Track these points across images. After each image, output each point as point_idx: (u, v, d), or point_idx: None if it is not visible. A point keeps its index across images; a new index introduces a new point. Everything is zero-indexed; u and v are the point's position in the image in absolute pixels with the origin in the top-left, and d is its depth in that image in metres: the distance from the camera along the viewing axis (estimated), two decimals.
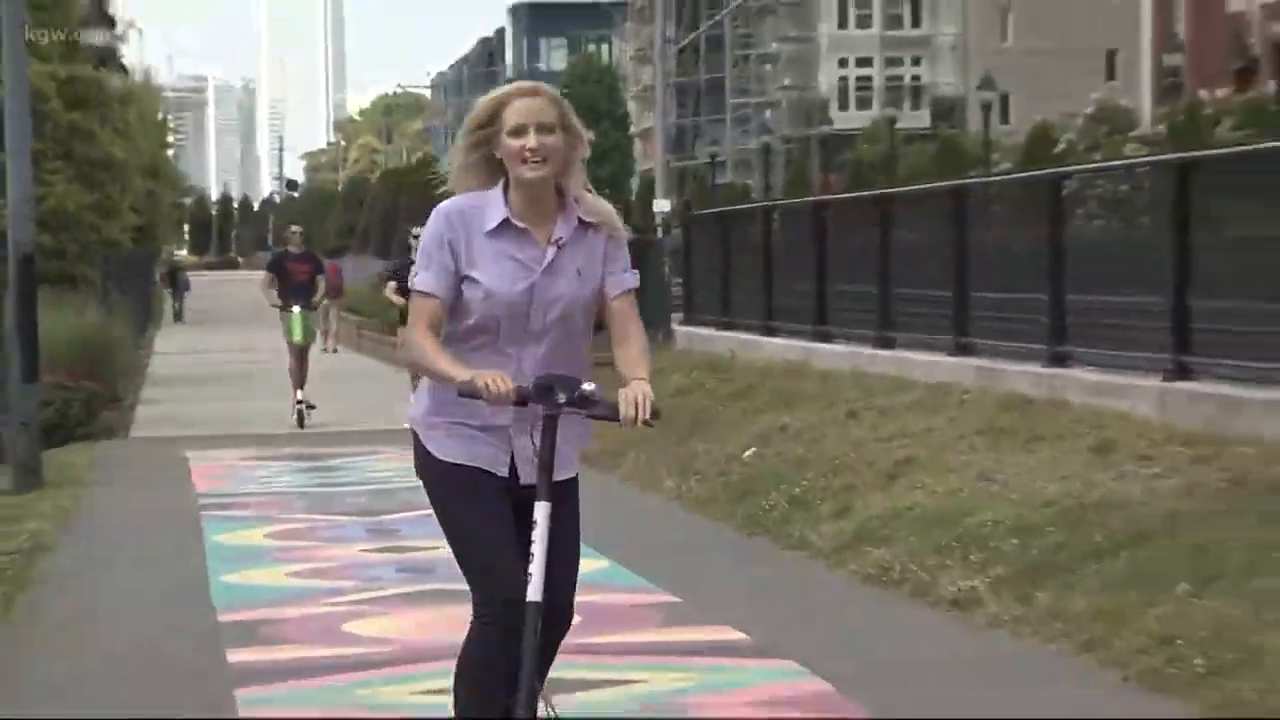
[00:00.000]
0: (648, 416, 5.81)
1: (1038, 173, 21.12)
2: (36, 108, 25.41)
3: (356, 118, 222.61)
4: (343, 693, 9.14)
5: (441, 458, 6.09)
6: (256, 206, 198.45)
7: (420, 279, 5.99)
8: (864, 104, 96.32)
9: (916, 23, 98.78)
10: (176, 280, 73.02)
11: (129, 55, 55.93)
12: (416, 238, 21.72)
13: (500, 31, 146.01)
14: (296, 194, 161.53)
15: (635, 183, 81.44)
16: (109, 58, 42.02)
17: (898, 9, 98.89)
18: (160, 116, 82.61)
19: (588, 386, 5.86)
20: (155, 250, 74.40)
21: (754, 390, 20.47)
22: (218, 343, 49.73)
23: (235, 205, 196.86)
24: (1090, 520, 11.44)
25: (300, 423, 24.64)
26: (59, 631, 11.17)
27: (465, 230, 5.98)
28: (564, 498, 6.08)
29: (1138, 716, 8.38)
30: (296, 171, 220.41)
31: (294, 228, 27.63)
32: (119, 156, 41.75)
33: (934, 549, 11.84)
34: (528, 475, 6.03)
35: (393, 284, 23.16)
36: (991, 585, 10.88)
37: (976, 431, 14.92)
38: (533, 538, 5.86)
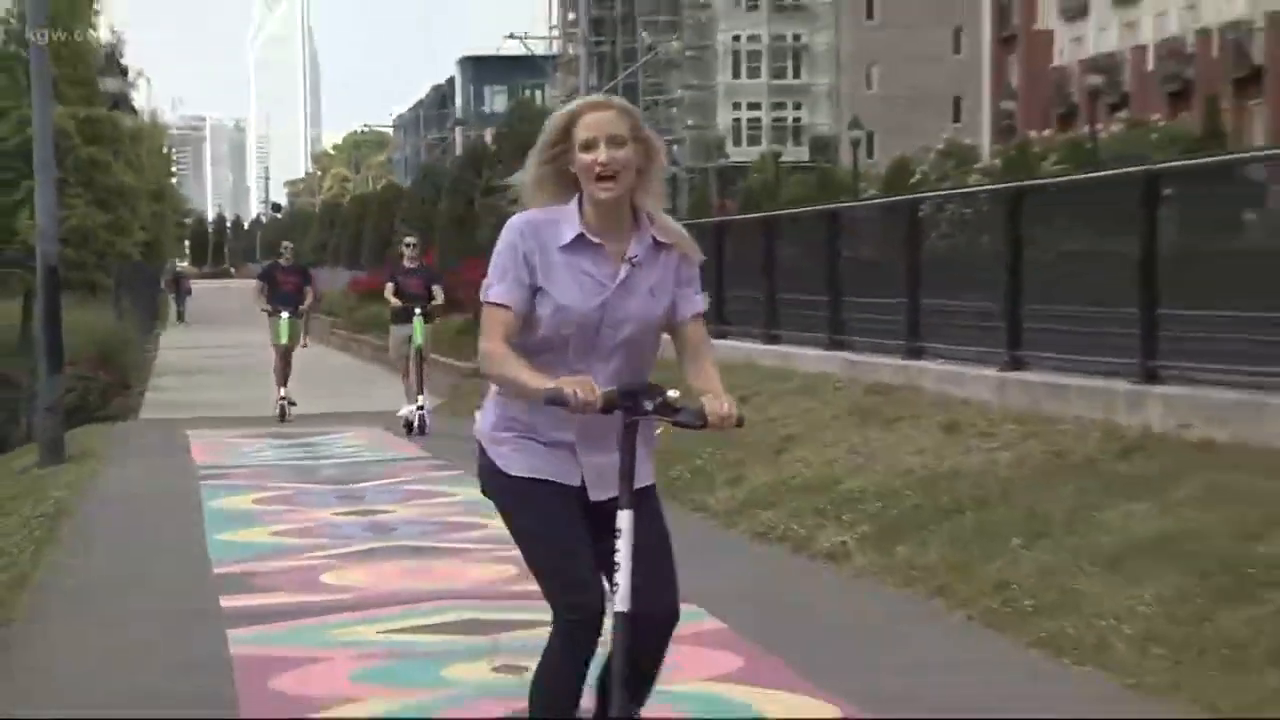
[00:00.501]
0: (735, 420, 4.98)
1: (897, 198, 21.27)
2: (60, 144, 25.32)
3: (330, 151, 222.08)
4: (318, 631, 9.12)
5: (509, 471, 5.14)
6: (246, 226, 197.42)
7: (495, 291, 5.00)
8: (754, 141, 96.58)
9: (797, 74, 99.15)
10: (180, 286, 72.85)
11: (138, 99, 55.53)
12: (409, 245, 21.91)
13: (451, 79, 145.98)
14: (280, 215, 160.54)
15: None
16: (121, 101, 41.73)
17: (782, 63, 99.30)
18: (165, 150, 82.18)
19: (672, 393, 5.01)
20: (161, 262, 73.99)
21: (661, 378, 20.46)
22: (214, 340, 49.57)
23: (228, 225, 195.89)
24: (941, 486, 11.53)
25: (282, 416, 23.54)
26: (79, 580, 11.11)
27: (538, 243, 4.99)
28: (646, 502, 5.14)
29: (976, 648, 8.41)
30: (280, 196, 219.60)
31: (285, 243, 26.38)
32: (130, 184, 41.60)
33: (812, 511, 11.89)
34: (599, 492, 5.10)
35: (390, 285, 21.65)
36: (859, 541, 10.93)
37: (847, 413, 15.01)
38: (616, 547, 4.91)
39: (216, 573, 11.14)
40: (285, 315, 23.81)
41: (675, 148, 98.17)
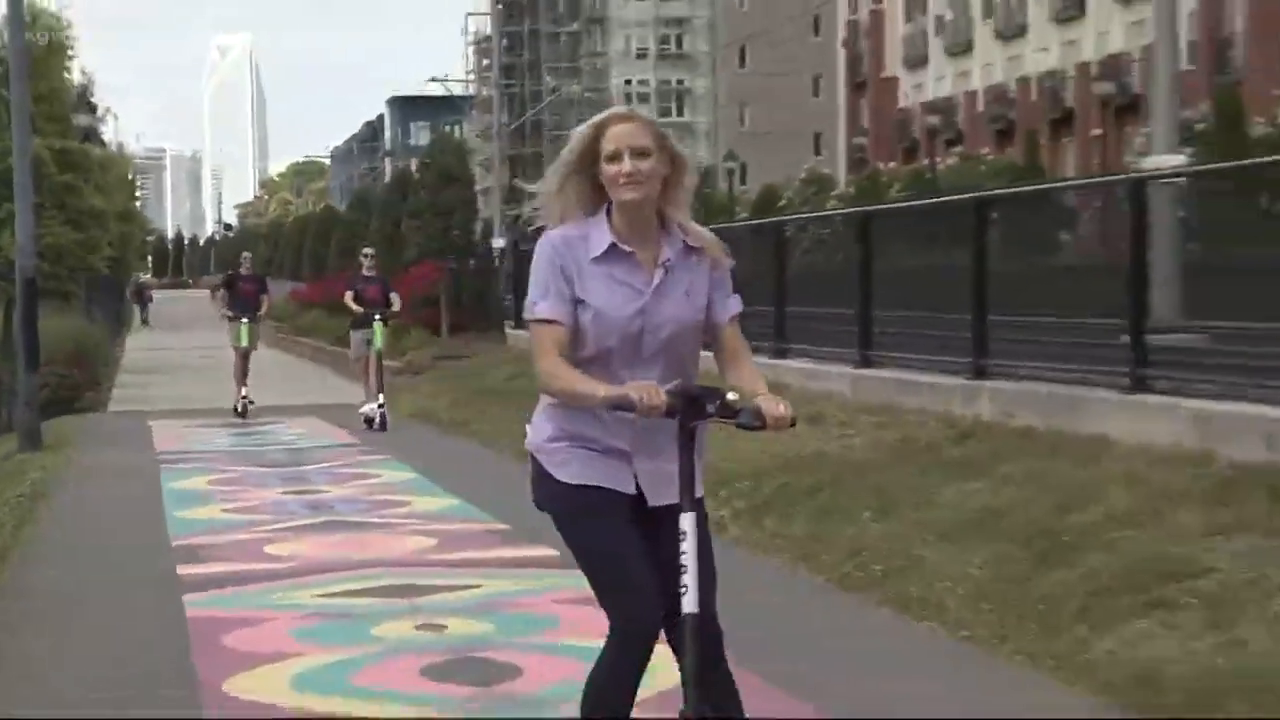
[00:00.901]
0: (790, 421, 4.39)
1: (766, 220, 21.30)
2: (38, 171, 24.98)
3: (276, 178, 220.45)
4: (263, 595, 9.06)
5: (565, 480, 4.48)
6: (202, 243, 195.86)
7: (541, 307, 4.40)
8: None
9: (681, 113, 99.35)
10: (143, 295, 72.21)
11: (106, 133, 54.92)
12: (367, 256, 21.04)
13: (381, 116, 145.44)
14: (231, 234, 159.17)
15: (479, 226, 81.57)
16: (92, 135, 41.29)
17: (668, 103, 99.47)
18: (130, 177, 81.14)
19: (731, 395, 4.37)
20: (126, 275, 73.15)
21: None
22: (173, 342, 49.13)
23: (186, 242, 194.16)
24: (804, 469, 11.57)
25: (243, 414, 21.89)
26: (54, 551, 10.99)
27: (572, 256, 4.41)
28: (697, 510, 4.49)
29: (833, 607, 8.44)
30: (231, 217, 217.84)
31: (245, 254, 24.85)
32: (99, 207, 41.18)
33: None
34: (657, 497, 4.46)
35: (350, 294, 20.48)
36: (733, 514, 10.95)
37: None
38: (683, 549, 4.29)
39: (174, 544, 11.03)
40: (245, 321, 22.45)
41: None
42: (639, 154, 4.34)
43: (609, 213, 4.43)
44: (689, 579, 4.25)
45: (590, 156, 4.42)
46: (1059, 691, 6.60)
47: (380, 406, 19.43)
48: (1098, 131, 52.63)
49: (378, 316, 19.92)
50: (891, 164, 62.09)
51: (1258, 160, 14.18)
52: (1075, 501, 9.16)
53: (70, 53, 41.30)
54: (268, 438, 19.03)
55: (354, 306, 20.31)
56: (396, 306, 20.67)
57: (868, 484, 10.82)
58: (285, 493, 13.74)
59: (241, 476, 15.01)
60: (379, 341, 19.93)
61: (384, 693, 6.80)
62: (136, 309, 70.86)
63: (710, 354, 4.66)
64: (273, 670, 7.24)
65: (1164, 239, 11.44)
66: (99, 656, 7.74)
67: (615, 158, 4.35)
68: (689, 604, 4.24)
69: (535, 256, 4.45)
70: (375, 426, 19.20)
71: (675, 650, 4.43)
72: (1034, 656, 7.06)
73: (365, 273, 20.81)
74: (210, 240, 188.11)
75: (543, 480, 4.52)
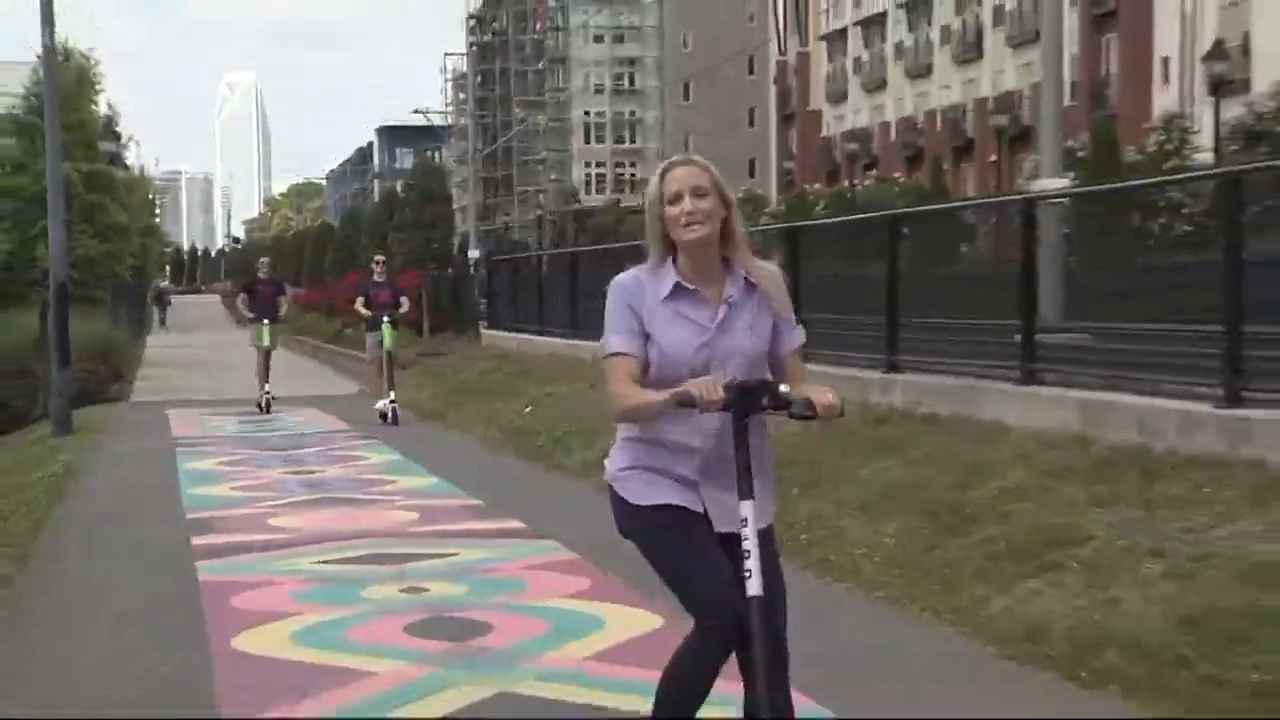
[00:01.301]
0: (839, 410, 4.12)
1: None
2: (68, 192, 24.79)
3: (278, 197, 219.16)
4: (266, 562, 9.00)
5: (639, 502, 4.17)
6: (213, 254, 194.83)
7: (612, 342, 4.12)
8: (601, 190, 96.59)
9: (633, 140, 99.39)
10: (162, 299, 71.80)
11: (129, 158, 54.52)
12: (378, 262, 20.00)
13: (371, 143, 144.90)
14: (239, 246, 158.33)
15: (456, 240, 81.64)
16: (116, 159, 40.97)
17: (622, 132, 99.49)
18: (150, 196, 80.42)
19: (783, 387, 4.07)
20: (147, 282, 72.58)
21: (531, 371, 20.43)
22: (188, 341, 48.80)
23: (199, 253, 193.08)
24: None
25: (267, 409, 20.42)
26: (83, 522, 10.90)
27: (642, 298, 4.13)
28: (766, 548, 4.12)
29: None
30: (239, 232, 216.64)
31: (263, 259, 23.05)
32: (123, 222, 40.86)
33: None
34: (723, 524, 4.11)
35: (361, 299, 19.40)
36: None
37: None
38: (744, 534, 3.96)
39: (189, 518, 10.95)
40: (265, 322, 20.84)
41: (540, 196, 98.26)
42: (698, 194, 4.08)
43: (675, 259, 4.14)
44: (751, 563, 3.92)
45: (661, 204, 4.13)
46: (959, 641, 6.63)
47: (392, 402, 18.53)
48: (994, 158, 52.85)
49: (387, 319, 19.05)
50: (816, 185, 62.24)
51: (1128, 184, 14.25)
52: (975, 479, 9.19)
53: (97, 87, 40.94)
54: (272, 425, 18.92)
55: (363, 311, 19.43)
56: (405, 308, 19.81)
57: (796, 464, 10.82)
58: (286, 473, 13.66)
59: (248, 458, 14.92)
60: (388, 341, 19.04)
61: (373, 647, 6.77)
62: (156, 311, 70.46)
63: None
64: (275, 628, 7.19)
65: (1050, 251, 11.48)
66: (120, 612, 7.67)
67: (676, 199, 4.09)
68: (753, 588, 3.91)
69: (608, 300, 4.19)
70: (388, 420, 18.32)
71: (741, 665, 4.10)
72: (938, 613, 7.08)
73: (376, 278, 19.72)
74: (220, 252, 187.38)
75: (619, 505, 4.24)
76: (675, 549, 4.11)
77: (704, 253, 4.11)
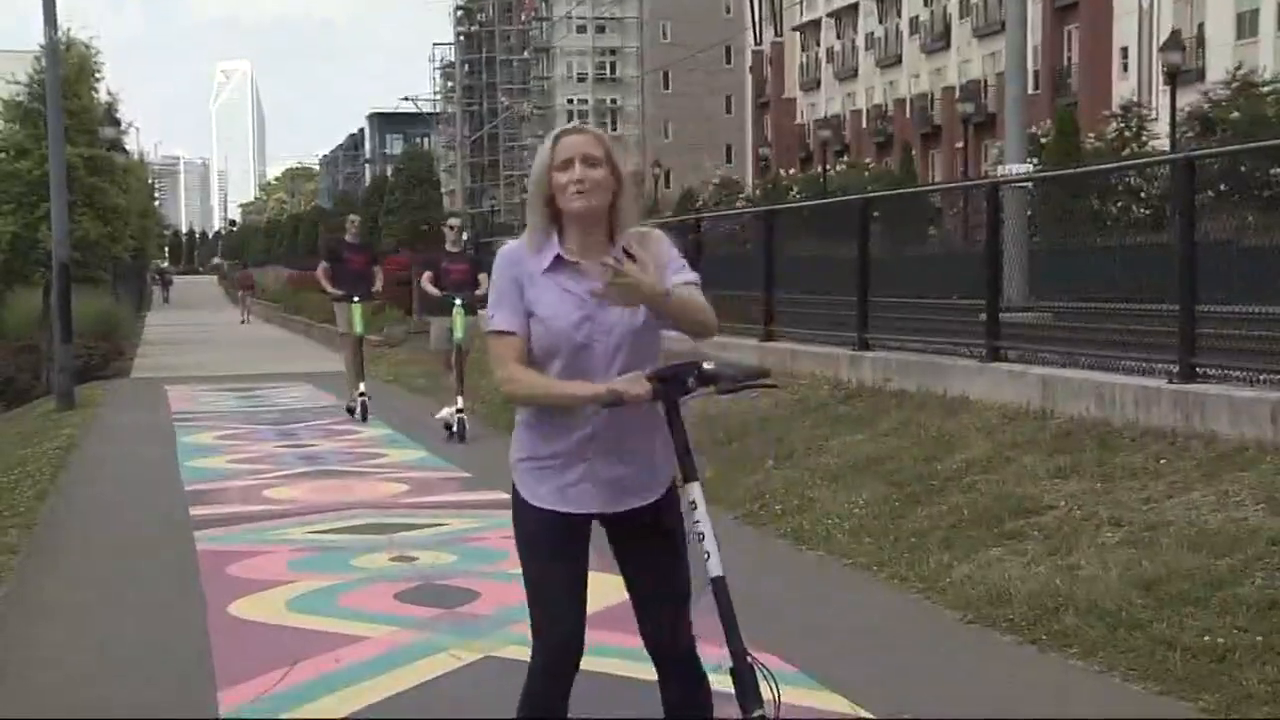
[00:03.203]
0: (765, 371, 3.88)
1: (685, 217, 21.24)
2: (70, 175, 24.68)
3: (273, 181, 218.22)
4: (261, 532, 8.98)
5: (528, 499, 3.85)
6: (210, 235, 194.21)
7: (496, 319, 3.75)
8: None
9: (615, 127, 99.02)
10: (164, 279, 72.18)
11: (129, 143, 54.16)
12: (452, 227, 14.86)
13: (362, 129, 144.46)
14: (235, 228, 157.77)
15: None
16: (116, 144, 40.69)
17: (604, 119, 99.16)
18: (148, 180, 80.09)
19: (707, 365, 3.75)
20: (146, 262, 72.45)
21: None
22: (187, 320, 48.71)
23: (197, 235, 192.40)
24: (716, 424, 11.56)
25: (363, 415, 15.33)
26: (85, 493, 10.87)
27: (524, 269, 3.75)
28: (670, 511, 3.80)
29: (739, 539, 8.46)
30: (235, 214, 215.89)
31: (352, 216, 17.30)
32: (123, 205, 40.65)
33: None
34: (619, 503, 3.78)
35: (428, 274, 14.16)
36: None
37: None
38: (695, 519, 3.67)
39: (186, 489, 10.92)
40: (355, 300, 15.43)
41: (526, 179, 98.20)
42: (589, 162, 3.70)
43: (560, 229, 3.77)
44: (709, 545, 3.64)
45: (549, 170, 3.75)
46: (925, 605, 6.65)
47: (460, 412, 13.61)
48: (960, 144, 52.89)
49: (458, 301, 13.84)
50: (791, 170, 62.21)
51: (1088, 169, 14.28)
52: (941, 451, 9.22)
53: (97, 75, 40.68)
54: (266, 401, 18.87)
55: (431, 290, 14.24)
56: (484, 288, 13.45)
57: (770, 436, 10.84)
58: (281, 446, 13.63)
59: (244, 433, 14.88)
60: (459, 331, 13.92)
61: (364, 613, 6.76)
62: (158, 290, 70.72)
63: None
64: (271, 595, 7.18)
65: (1014, 234, 11.51)
66: (121, 580, 7.65)
67: (566, 166, 3.70)
68: (714, 568, 3.63)
69: (493, 271, 3.84)
70: (453, 435, 13.51)
71: (661, 681, 3.86)
72: (905, 579, 7.10)
73: (450, 247, 14.50)
74: (217, 234, 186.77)
75: (514, 495, 3.90)
76: (537, 562, 3.82)
77: (590, 225, 3.73)
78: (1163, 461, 7.83)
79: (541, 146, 3.80)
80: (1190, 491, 7.28)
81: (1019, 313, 11.60)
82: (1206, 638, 5.48)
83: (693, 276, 3.82)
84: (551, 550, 3.79)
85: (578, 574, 3.80)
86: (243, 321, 47.43)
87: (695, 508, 3.68)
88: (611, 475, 3.75)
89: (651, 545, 3.80)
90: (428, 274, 14.26)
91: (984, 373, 10.62)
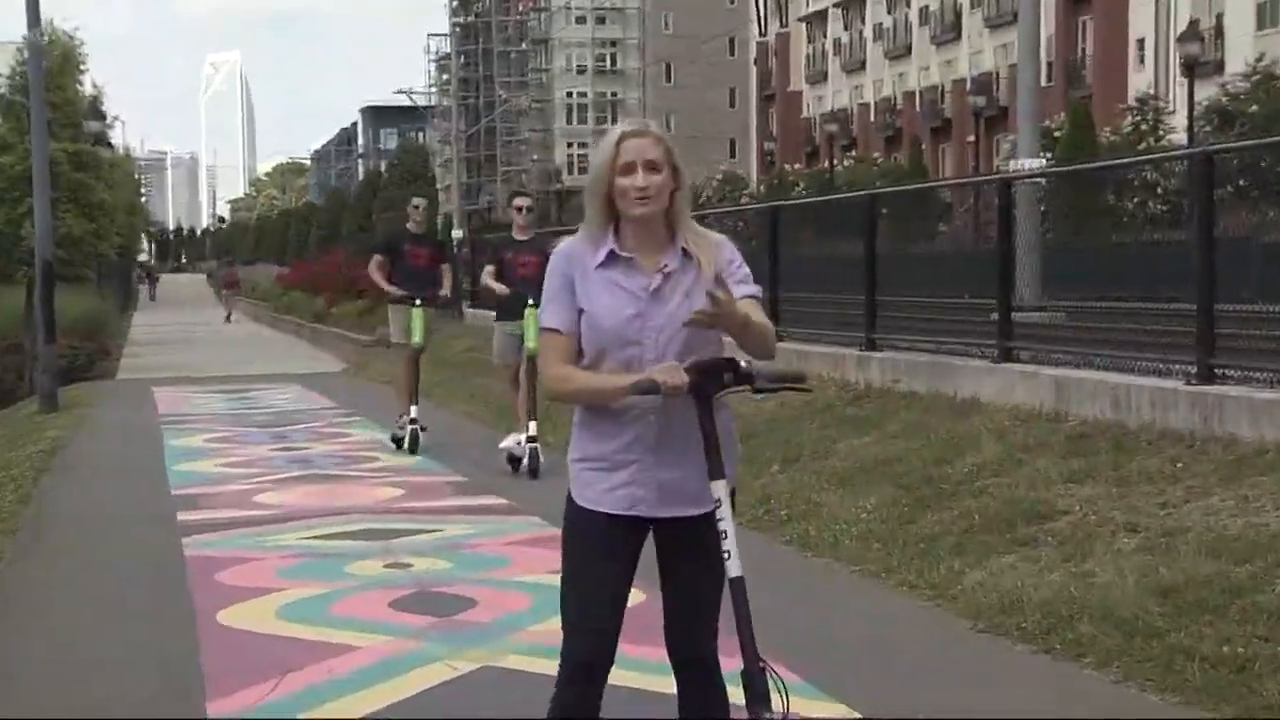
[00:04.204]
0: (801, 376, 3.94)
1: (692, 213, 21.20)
2: (54, 171, 24.70)
3: (263, 177, 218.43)
4: (252, 538, 8.97)
5: (577, 500, 3.88)
6: (199, 233, 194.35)
7: (546, 316, 3.85)
8: (584, 171, 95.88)
9: (615, 121, 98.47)
10: (151, 276, 72.53)
11: (115, 137, 54.19)
12: (522, 210, 12.07)
13: (355, 123, 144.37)
14: (224, 225, 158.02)
15: (440, 220, 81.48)
16: (101, 139, 40.75)
17: (604, 113, 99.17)
18: (135, 176, 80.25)
19: (744, 362, 3.79)
20: (133, 260, 72.65)
21: None
22: (174, 318, 48.76)
23: (185, 232, 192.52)
24: None
25: (413, 446, 12.80)
26: (68, 498, 10.86)
27: (579, 267, 3.83)
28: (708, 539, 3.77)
29: (743, 545, 8.47)
30: (224, 211, 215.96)
31: (416, 200, 13.89)
32: (108, 201, 40.72)
33: None
34: (668, 508, 3.81)
35: (491, 268, 11.87)
36: None
37: None
38: (719, 516, 3.72)
39: (174, 494, 10.91)
40: (417, 303, 12.93)
41: (524, 176, 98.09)
42: (651, 168, 3.78)
43: (617, 227, 3.84)
44: (729, 544, 3.70)
45: (610, 172, 3.80)
46: (935, 614, 6.65)
47: (531, 440, 11.25)
48: (971, 139, 52.89)
49: (532, 301, 10.74)
50: (796, 165, 62.25)
51: (1104, 163, 14.28)
52: (951, 454, 9.22)
53: (82, 67, 40.71)
54: (257, 402, 18.87)
55: (496, 287, 11.80)
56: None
57: (776, 439, 10.83)
58: (272, 449, 13.62)
59: (234, 435, 14.88)
60: (531, 338, 11.02)
61: (357, 622, 6.76)
62: (146, 287, 71.07)
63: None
64: (261, 603, 7.18)
65: (1027, 231, 11.51)
66: (106, 587, 7.65)
67: (629, 171, 3.77)
68: (733, 569, 3.69)
69: (548, 268, 3.91)
70: (520, 468, 11.33)
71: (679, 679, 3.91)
72: (914, 586, 7.10)
73: (518, 235, 12.02)
74: (206, 231, 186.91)
75: (568, 494, 3.92)
76: (574, 564, 3.84)
77: (648, 225, 3.83)
78: (1180, 465, 7.83)
79: (603, 143, 3.85)
80: (1209, 496, 7.28)
81: (1031, 312, 11.60)
82: (1226, 647, 5.48)
83: (755, 290, 3.89)
84: (589, 550, 3.82)
85: (615, 577, 3.81)
86: (227, 320, 47.49)
87: (720, 505, 3.72)
88: (662, 478, 3.79)
89: (697, 563, 3.82)
90: (490, 268, 12.10)
91: (995, 373, 10.62)
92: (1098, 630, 5.90)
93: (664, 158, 3.81)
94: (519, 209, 12.12)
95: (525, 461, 11.28)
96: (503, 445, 11.76)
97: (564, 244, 3.93)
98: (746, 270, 3.89)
